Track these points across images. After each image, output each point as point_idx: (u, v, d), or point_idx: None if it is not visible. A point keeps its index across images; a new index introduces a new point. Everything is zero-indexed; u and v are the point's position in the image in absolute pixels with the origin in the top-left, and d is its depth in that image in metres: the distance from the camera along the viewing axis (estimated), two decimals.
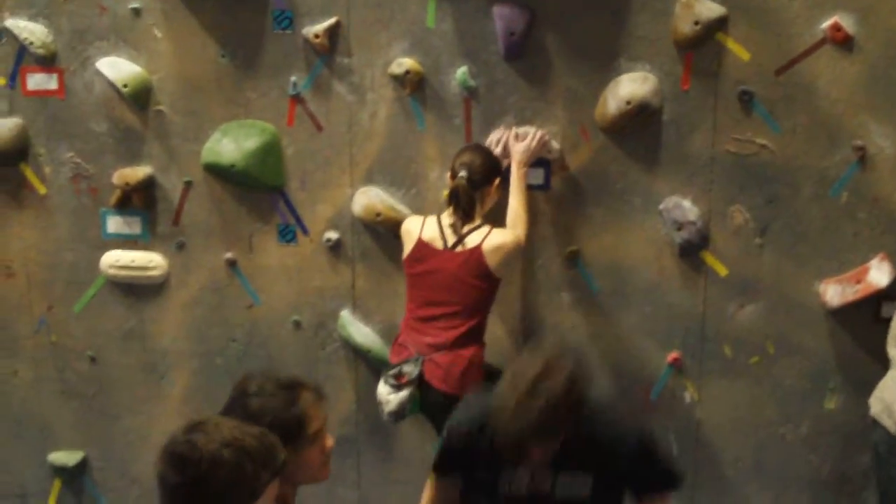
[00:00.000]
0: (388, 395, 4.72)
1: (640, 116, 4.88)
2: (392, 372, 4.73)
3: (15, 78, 5.52)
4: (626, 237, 5.09)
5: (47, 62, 5.45)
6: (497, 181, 4.77)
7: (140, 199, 5.52)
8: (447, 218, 4.75)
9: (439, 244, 4.72)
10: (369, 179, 5.28)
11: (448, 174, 4.81)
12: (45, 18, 5.41)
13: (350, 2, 5.08)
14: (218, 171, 5.38)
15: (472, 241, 4.67)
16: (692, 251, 5.02)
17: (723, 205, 4.95)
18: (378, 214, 5.24)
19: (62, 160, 5.59)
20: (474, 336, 4.74)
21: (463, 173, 4.66)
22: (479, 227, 4.71)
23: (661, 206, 5.00)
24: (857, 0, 4.61)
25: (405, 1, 5.02)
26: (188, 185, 5.48)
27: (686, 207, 4.95)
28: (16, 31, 5.41)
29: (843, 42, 4.65)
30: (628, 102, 4.84)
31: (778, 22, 4.69)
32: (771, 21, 4.70)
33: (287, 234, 5.45)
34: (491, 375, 4.55)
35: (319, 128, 5.29)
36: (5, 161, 5.61)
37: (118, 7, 5.33)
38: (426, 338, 4.73)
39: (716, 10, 4.71)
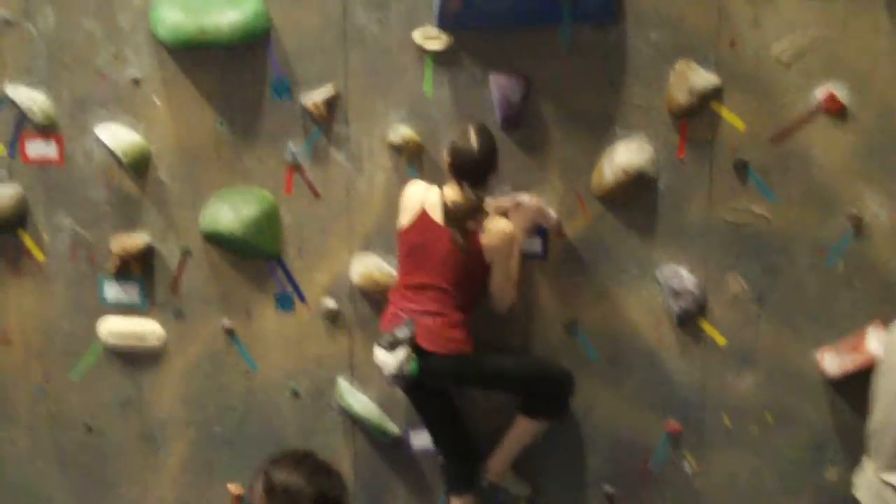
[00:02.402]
0: (385, 357, 4.74)
1: (637, 185, 4.91)
2: (386, 337, 4.77)
3: (14, 145, 5.56)
4: (623, 305, 5.10)
5: (47, 130, 5.50)
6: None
7: (138, 267, 5.53)
8: (450, 191, 4.72)
9: (439, 217, 4.75)
10: (367, 247, 5.30)
11: (447, 152, 4.74)
12: (46, 86, 5.46)
13: (348, 70, 5.13)
14: (216, 239, 5.40)
15: (473, 223, 4.71)
16: (690, 320, 5.03)
17: (720, 273, 4.97)
18: (375, 282, 5.26)
19: (61, 228, 5.61)
20: (464, 308, 4.80)
21: (473, 147, 4.66)
22: (481, 214, 4.72)
23: (659, 275, 5.02)
24: (851, 70, 4.65)
25: (402, 69, 5.07)
26: (186, 252, 5.50)
27: (683, 276, 4.97)
28: (16, 99, 5.46)
29: (837, 111, 4.69)
30: (624, 171, 4.87)
31: (772, 91, 4.74)
32: (765, 90, 4.75)
33: (285, 302, 5.46)
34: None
35: (317, 195, 5.32)
36: (4, 228, 5.62)
37: (118, 76, 5.38)
38: (416, 304, 4.79)
39: (710, 80, 4.76)
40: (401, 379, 4.77)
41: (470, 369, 4.82)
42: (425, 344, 4.73)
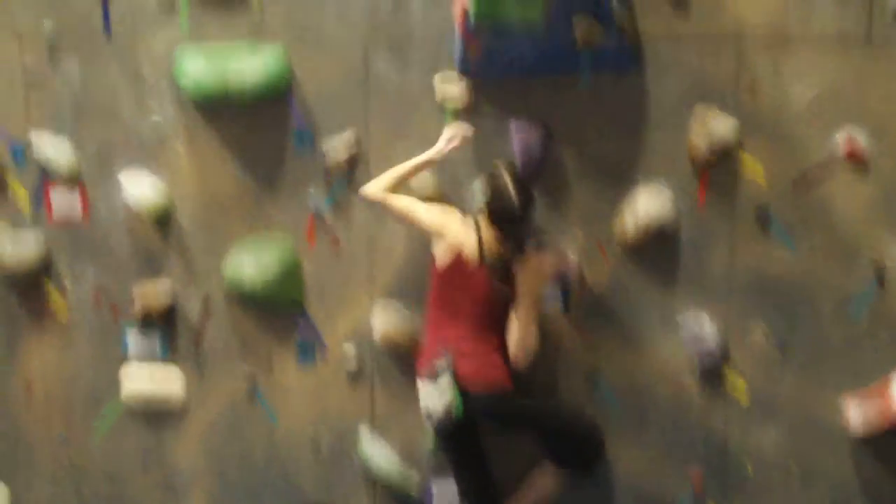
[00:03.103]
0: (429, 398, 4.69)
1: (658, 234, 4.87)
2: (427, 380, 4.70)
3: (39, 196, 5.56)
4: (645, 355, 5.04)
5: (71, 181, 5.50)
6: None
7: (160, 318, 5.51)
8: (489, 238, 4.66)
9: (474, 257, 4.65)
10: (389, 296, 5.27)
11: (487, 196, 4.64)
12: (70, 137, 5.47)
13: (369, 118, 5.13)
14: (238, 289, 5.37)
15: (510, 263, 4.65)
16: (712, 369, 4.97)
17: (742, 323, 4.91)
18: (397, 332, 5.22)
19: (84, 278, 5.59)
20: (498, 347, 4.73)
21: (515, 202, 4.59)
22: (518, 256, 4.67)
23: (681, 324, 4.96)
24: (871, 117, 4.63)
25: (423, 117, 5.06)
26: (208, 302, 5.47)
27: (705, 325, 4.92)
28: (41, 149, 5.47)
29: (858, 160, 4.65)
30: (645, 220, 4.85)
31: (792, 138, 4.71)
32: (785, 137, 4.72)
33: (306, 353, 5.42)
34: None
35: (339, 245, 5.29)
36: (28, 279, 5.61)
37: (142, 127, 5.39)
38: (453, 343, 4.70)
39: (730, 127, 4.73)
40: (448, 423, 4.68)
41: (510, 408, 4.74)
42: (467, 382, 4.64)
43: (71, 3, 5.37)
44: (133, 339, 5.58)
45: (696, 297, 4.92)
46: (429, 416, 4.71)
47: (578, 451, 4.86)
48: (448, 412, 4.62)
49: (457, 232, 4.69)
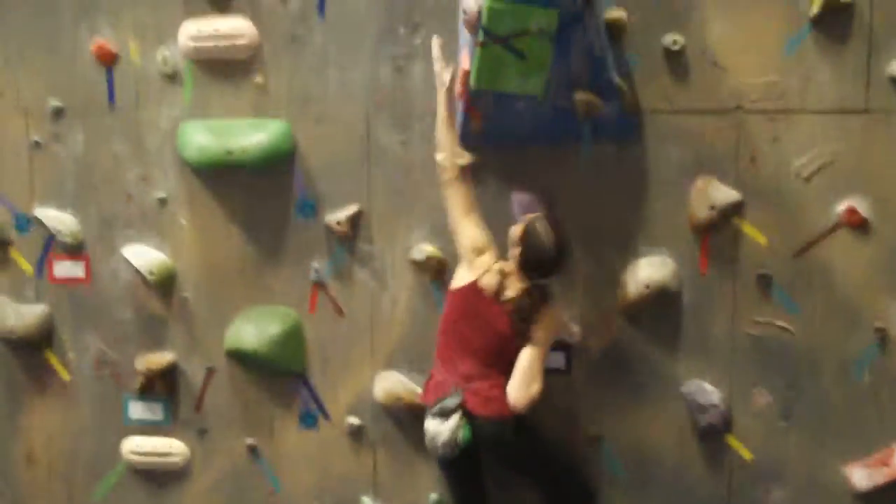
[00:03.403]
0: (438, 427, 4.58)
1: (660, 300, 4.87)
2: (434, 409, 4.61)
3: (42, 266, 5.58)
4: (648, 420, 5.02)
5: (75, 250, 5.52)
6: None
7: (163, 385, 5.50)
8: (514, 281, 4.58)
9: (491, 293, 4.57)
10: (390, 364, 5.26)
11: (515, 241, 4.57)
12: (74, 207, 5.50)
13: (371, 189, 5.14)
14: (240, 357, 5.36)
15: (523, 305, 4.57)
16: (715, 434, 4.95)
17: (745, 387, 4.90)
18: (399, 399, 5.20)
19: (86, 346, 5.60)
20: (507, 375, 4.62)
21: (539, 272, 4.57)
22: (534, 296, 4.61)
23: (683, 389, 4.95)
24: (871, 183, 4.64)
25: (425, 188, 5.07)
26: (210, 370, 5.47)
27: (708, 390, 4.90)
28: (45, 221, 5.49)
29: (858, 225, 4.66)
30: (647, 286, 4.84)
31: (793, 206, 4.72)
32: (786, 205, 4.73)
33: (308, 420, 5.40)
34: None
35: (341, 313, 5.29)
36: (30, 347, 5.62)
37: (145, 196, 5.42)
38: (462, 370, 4.62)
39: (731, 195, 4.75)
40: (454, 447, 4.59)
41: (515, 439, 4.64)
42: (476, 408, 4.57)
43: (76, 77, 5.41)
44: (135, 408, 5.57)
45: (698, 361, 4.92)
46: (434, 447, 4.62)
47: (573, 498, 4.80)
48: (454, 443, 4.55)
49: (486, 263, 4.61)
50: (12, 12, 5.46)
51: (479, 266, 4.58)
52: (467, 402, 4.57)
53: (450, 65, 4.62)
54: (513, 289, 4.55)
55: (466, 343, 4.61)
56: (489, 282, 4.54)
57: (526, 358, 4.57)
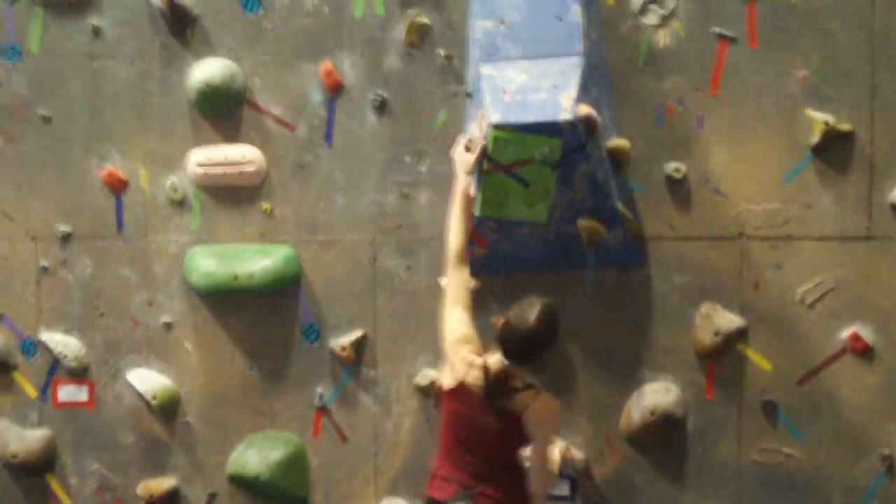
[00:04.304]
0: None
1: (665, 426, 4.77)
2: None
3: (46, 390, 5.51)
4: None
5: (79, 375, 5.46)
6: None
7: None
8: (493, 363, 4.13)
9: (479, 390, 4.14)
10: (394, 490, 5.15)
11: (496, 322, 4.14)
12: (80, 332, 5.46)
13: (376, 315, 5.09)
14: (243, 483, 5.25)
15: (514, 404, 4.13)
16: None
17: None
18: None
19: (88, 471, 5.50)
20: (516, 472, 4.29)
21: (495, 359, 4.12)
22: (522, 390, 4.17)
23: None
24: (875, 311, 4.57)
25: (429, 313, 4.99)
26: (212, 496, 5.35)
27: None
28: (50, 345, 5.44)
29: (862, 352, 4.59)
30: (652, 413, 4.75)
31: (797, 333, 4.65)
32: (790, 332, 4.66)
33: None
34: None
35: (344, 439, 5.20)
36: (32, 472, 5.52)
37: (150, 321, 5.37)
38: (468, 470, 4.25)
39: (735, 322, 4.68)
40: None
41: None
42: None
43: (85, 204, 5.43)
44: None
45: (705, 488, 4.80)
46: None
47: None
48: None
49: (467, 358, 4.20)
50: (25, 139, 5.48)
51: (461, 362, 4.21)
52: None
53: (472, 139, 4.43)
54: (495, 377, 4.16)
55: (466, 445, 4.28)
56: (475, 378, 4.16)
57: (531, 459, 4.25)
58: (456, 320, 4.28)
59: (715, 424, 4.77)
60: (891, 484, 4.62)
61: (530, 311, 4.03)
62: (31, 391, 5.54)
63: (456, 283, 4.34)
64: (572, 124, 4.26)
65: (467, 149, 4.40)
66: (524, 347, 4.06)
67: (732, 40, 4.66)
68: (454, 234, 4.36)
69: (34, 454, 5.48)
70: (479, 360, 4.14)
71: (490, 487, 4.25)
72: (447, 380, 4.27)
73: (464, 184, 4.38)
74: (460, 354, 4.19)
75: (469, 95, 4.66)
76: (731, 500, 4.78)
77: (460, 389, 4.18)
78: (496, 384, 4.11)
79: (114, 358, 5.42)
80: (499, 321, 4.10)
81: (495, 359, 4.11)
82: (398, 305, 5.08)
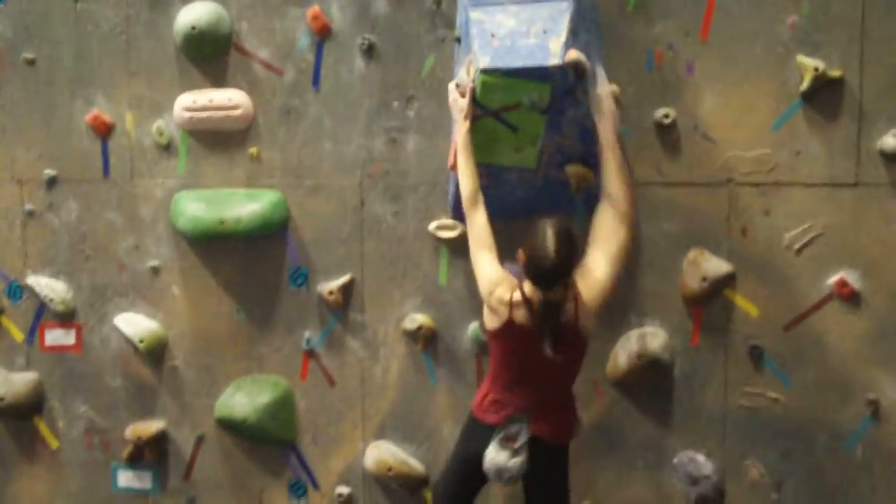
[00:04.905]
0: (508, 462, 4.16)
1: (651, 371, 4.73)
2: (501, 435, 4.19)
3: (33, 333, 5.44)
4: (640, 492, 4.87)
5: (66, 318, 5.39)
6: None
7: (152, 454, 5.34)
8: (530, 292, 4.06)
9: (531, 324, 4.07)
10: (381, 434, 5.11)
11: (519, 254, 4.07)
12: (66, 276, 5.38)
13: (364, 260, 5.03)
14: (230, 426, 5.21)
15: (567, 313, 4.08)
16: None
17: (737, 459, 4.75)
18: (390, 469, 5.04)
19: (76, 414, 5.44)
20: (571, 389, 4.33)
21: (552, 291, 4.03)
22: (565, 293, 4.07)
23: (676, 461, 4.80)
24: (862, 256, 4.53)
25: (417, 259, 4.97)
26: (200, 439, 5.31)
27: (700, 462, 4.76)
28: (37, 289, 5.37)
29: (849, 297, 4.55)
30: (639, 357, 4.72)
31: (784, 278, 4.61)
32: (777, 277, 4.62)
33: (298, 490, 5.23)
34: None
35: (332, 383, 5.15)
36: (19, 415, 5.46)
37: (137, 265, 5.30)
38: (526, 397, 4.21)
39: (722, 267, 4.63)
40: (517, 480, 4.24)
41: (564, 464, 4.38)
42: (545, 435, 4.21)
43: (71, 148, 5.32)
44: (124, 477, 5.42)
45: (690, 433, 4.78)
46: (496, 477, 4.21)
47: None
48: (518, 478, 4.21)
49: (504, 297, 4.13)
50: (9, 84, 5.37)
51: (500, 303, 4.16)
52: (534, 429, 4.19)
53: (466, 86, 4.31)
54: (537, 307, 4.09)
55: (527, 375, 4.22)
56: (522, 317, 4.11)
57: (608, 162, 4.19)
58: (484, 264, 4.22)
59: (701, 369, 4.74)
60: (875, 428, 4.60)
61: (547, 242, 3.97)
62: (18, 335, 5.48)
63: (476, 227, 4.26)
64: (561, 69, 4.17)
65: (462, 94, 4.30)
66: (552, 276, 4.00)
67: None
68: (464, 178, 4.28)
69: (21, 397, 5.42)
70: (518, 297, 4.09)
71: (552, 411, 4.24)
72: (492, 322, 4.21)
73: (464, 129, 4.29)
74: (497, 296, 4.14)
75: (458, 40, 4.55)
76: (717, 444, 4.77)
77: (509, 329, 4.14)
78: (545, 314, 4.06)
79: (101, 302, 5.35)
80: (522, 255, 4.06)
81: (530, 289, 4.07)
82: (385, 250, 5.02)
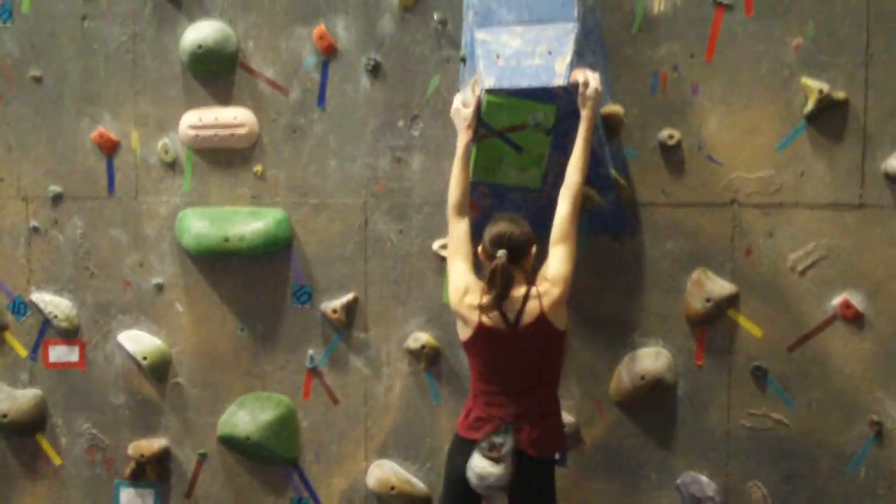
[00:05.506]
0: (490, 469, 4.08)
1: (655, 391, 4.68)
2: (484, 444, 4.12)
3: (37, 350, 5.40)
4: None
5: (70, 335, 5.34)
6: (534, 248, 4.23)
7: (154, 471, 5.28)
8: (492, 291, 4.10)
9: (501, 325, 4.11)
10: (384, 453, 5.05)
11: (479, 248, 4.17)
12: (70, 293, 5.34)
13: (368, 278, 4.98)
14: (233, 444, 5.15)
15: (531, 308, 4.12)
16: None
17: (740, 481, 4.68)
18: (392, 488, 4.98)
19: (79, 431, 5.40)
20: (555, 393, 4.27)
21: (501, 253, 4.07)
22: (528, 289, 4.12)
23: (679, 482, 4.73)
24: (866, 278, 4.47)
25: (421, 277, 4.93)
26: (203, 457, 5.26)
27: (703, 483, 4.69)
28: (41, 305, 5.33)
29: (853, 319, 4.49)
30: (642, 377, 4.66)
31: (788, 299, 4.55)
32: (781, 299, 4.56)
33: None
34: None
35: (335, 401, 5.10)
36: (22, 432, 5.41)
37: (142, 282, 5.26)
38: (509, 409, 4.16)
39: (727, 288, 4.58)
40: (501, 489, 4.15)
41: (550, 477, 4.28)
42: (528, 447, 4.15)
43: (76, 165, 5.29)
44: (126, 495, 5.36)
45: (693, 454, 4.72)
46: (479, 484, 4.13)
47: None
48: (504, 486, 4.12)
49: (474, 301, 4.15)
50: (16, 100, 5.35)
51: (469, 309, 4.15)
52: (519, 441, 4.14)
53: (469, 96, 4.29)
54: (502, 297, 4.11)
55: (507, 384, 4.19)
56: (491, 319, 4.12)
57: (578, 150, 4.16)
58: (456, 273, 4.24)
59: (705, 390, 4.68)
60: (879, 449, 4.54)
61: (495, 225, 4.13)
62: (22, 351, 5.44)
63: (455, 236, 4.28)
64: (566, 90, 4.13)
65: (465, 106, 4.28)
66: (507, 238, 4.10)
67: (728, 7, 4.53)
68: (454, 185, 4.30)
69: (24, 414, 5.38)
70: (486, 300, 4.11)
71: (536, 421, 4.18)
72: (464, 332, 4.21)
73: (465, 139, 4.28)
74: (467, 302, 4.16)
75: (463, 60, 4.51)
76: (721, 465, 4.70)
77: (482, 335, 4.14)
78: (501, 279, 4.07)
79: (104, 319, 5.31)
80: (479, 251, 4.15)
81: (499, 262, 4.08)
82: (389, 269, 4.98)
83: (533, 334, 4.13)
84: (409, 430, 4.98)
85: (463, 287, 4.20)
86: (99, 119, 5.25)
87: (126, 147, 5.23)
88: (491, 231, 4.15)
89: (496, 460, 4.09)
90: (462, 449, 4.23)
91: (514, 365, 4.16)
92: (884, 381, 4.51)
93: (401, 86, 4.91)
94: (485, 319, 4.12)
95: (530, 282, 4.16)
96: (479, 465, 4.12)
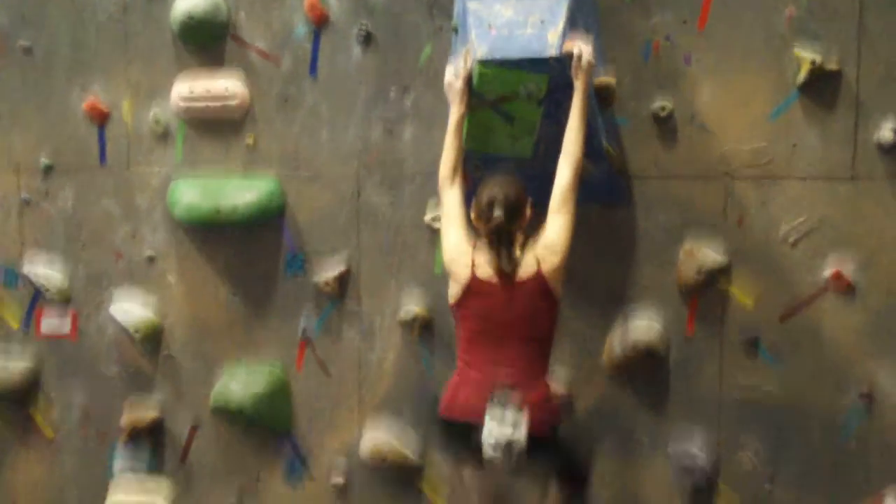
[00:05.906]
0: (511, 434, 3.87)
1: (647, 360, 4.67)
2: (495, 400, 3.92)
3: (29, 320, 5.39)
4: (634, 481, 4.80)
5: (61, 305, 5.33)
6: (530, 203, 4.15)
7: (147, 440, 5.28)
8: (493, 251, 4.03)
9: (495, 279, 4.03)
10: (376, 423, 5.03)
11: (472, 212, 4.10)
12: (62, 264, 5.32)
13: (360, 249, 4.95)
14: (226, 415, 5.14)
15: (528, 265, 4.04)
16: (702, 496, 4.72)
17: (731, 449, 4.68)
18: (385, 458, 4.98)
19: (71, 402, 5.39)
20: (546, 365, 4.14)
21: (498, 213, 4.01)
22: (525, 248, 4.06)
23: (670, 450, 4.73)
24: (858, 249, 4.45)
25: (414, 249, 4.90)
26: (196, 428, 5.25)
27: (694, 451, 4.68)
28: (32, 277, 5.30)
29: (845, 290, 4.48)
30: (634, 347, 4.65)
31: (780, 270, 4.53)
32: (773, 269, 4.54)
33: (293, 478, 5.16)
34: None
35: (328, 372, 5.08)
36: (15, 403, 5.41)
37: (133, 254, 5.23)
38: (503, 379, 3.99)
39: (718, 259, 4.56)
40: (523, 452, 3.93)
41: (553, 448, 4.12)
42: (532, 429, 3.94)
43: (67, 134, 5.25)
44: (119, 462, 5.34)
45: (685, 423, 4.70)
46: (503, 455, 3.89)
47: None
48: (520, 444, 3.90)
49: (465, 260, 4.07)
50: (5, 71, 5.31)
51: (464, 266, 4.05)
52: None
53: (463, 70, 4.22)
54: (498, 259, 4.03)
55: (499, 350, 4.05)
56: (484, 271, 4.02)
57: (574, 118, 4.10)
58: (451, 237, 4.15)
59: (696, 360, 4.67)
60: (869, 419, 4.54)
61: (486, 188, 4.06)
62: (14, 323, 5.43)
63: (448, 204, 4.20)
64: (559, 60, 4.08)
65: (457, 76, 4.23)
66: (500, 201, 4.01)
67: None
68: (446, 157, 4.23)
69: (16, 385, 5.38)
70: (481, 246, 4.06)
71: (529, 394, 3.98)
72: (455, 289, 4.11)
73: (458, 112, 4.23)
74: (461, 261, 4.07)
75: (455, 30, 4.46)
76: (711, 434, 4.69)
77: (474, 288, 4.04)
78: (498, 233, 4.01)
79: (96, 290, 5.29)
80: (473, 217, 4.09)
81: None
82: (381, 240, 4.95)
83: (526, 293, 4.03)
84: (401, 401, 4.97)
85: (457, 248, 4.09)
86: (89, 89, 5.22)
87: (117, 117, 5.19)
88: (484, 192, 4.06)
89: (514, 423, 3.89)
90: (459, 432, 4.03)
91: (506, 328, 4.03)
92: (875, 351, 4.50)
93: (393, 55, 4.87)
94: (479, 272, 4.03)
95: (526, 241, 4.08)
96: (497, 434, 3.90)
